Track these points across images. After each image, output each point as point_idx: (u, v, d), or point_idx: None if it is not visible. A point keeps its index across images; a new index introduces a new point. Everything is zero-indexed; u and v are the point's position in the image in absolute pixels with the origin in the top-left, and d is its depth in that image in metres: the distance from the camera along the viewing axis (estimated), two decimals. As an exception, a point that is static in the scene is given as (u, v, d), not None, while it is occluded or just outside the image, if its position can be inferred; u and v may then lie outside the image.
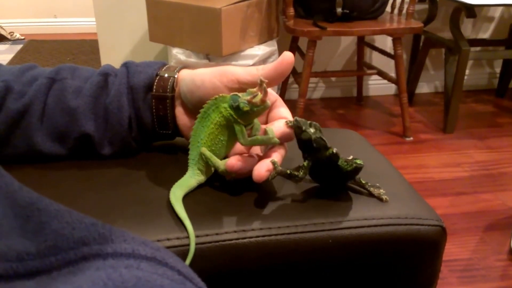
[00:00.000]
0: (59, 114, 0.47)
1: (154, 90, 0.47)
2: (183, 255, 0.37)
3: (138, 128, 0.48)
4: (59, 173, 0.47)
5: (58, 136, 0.47)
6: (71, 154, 0.48)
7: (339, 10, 1.79)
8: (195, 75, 0.45)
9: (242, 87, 0.43)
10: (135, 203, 0.42)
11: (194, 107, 0.45)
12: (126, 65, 0.49)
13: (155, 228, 0.39)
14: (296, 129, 0.40)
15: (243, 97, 0.39)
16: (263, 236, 0.39)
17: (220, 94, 0.41)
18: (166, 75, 0.47)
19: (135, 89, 0.47)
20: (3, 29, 3.18)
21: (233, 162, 0.41)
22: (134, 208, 0.41)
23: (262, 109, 0.40)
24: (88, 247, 0.24)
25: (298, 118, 0.40)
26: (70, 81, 0.48)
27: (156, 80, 0.47)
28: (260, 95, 0.39)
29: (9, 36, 3.20)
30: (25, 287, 0.22)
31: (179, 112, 0.48)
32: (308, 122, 0.40)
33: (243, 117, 0.40)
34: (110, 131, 0.47)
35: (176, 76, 0.47)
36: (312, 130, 0.39)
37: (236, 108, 0.39)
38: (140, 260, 0.25)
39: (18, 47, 3.10)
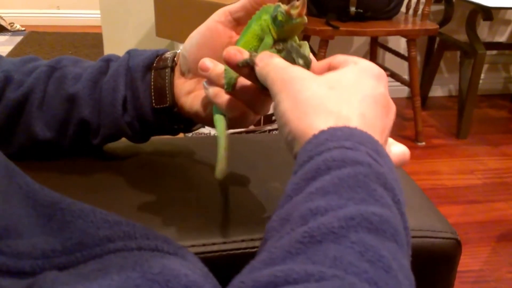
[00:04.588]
0: (58, 101, 0.47)
1: (154, 65, 0.47)
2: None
3: (135, 110, 0.47)
4: (75, 174, 0.48)
5: (57, 125, 0.47)
6: (72, 146, 0.48)
7: (352, 9, 1.77)
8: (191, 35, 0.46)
9: (235, 16, 0.43)
10: (155, 208, 0.42)
11: (193, 62, 0.44)
12: (128, 52, 0.49)
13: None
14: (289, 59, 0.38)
15: (283, 7, 0.38)
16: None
17: (267, 4, 0.40)
18: (167, 54, 0.48)
19: (133, 69, 0.47)
20: (3, 19, 3.10)
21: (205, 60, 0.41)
22: (151, 212, 0.42)
23: (298, 24, 0.38)
24: (113, 244, 0.26)
25: (292, 45, 0.38)
26: (71, 68, 0.48)
27: (157, 59, 0.47)
28: (298, 8, 0.38)
29: (9, 27, 3.10)
30: (53, 275, 0.23)
31: (178, 81, 0.47)
32: (300, 52, 0.39)
33: (278, 29, 0.39)
34: (103, 113, 0.47)
35: (178, 52, 0.47)
36: (301, 61, 0.38)
37: (274, 18, 0.39)
38: (164, 253, 0.27)
39: (18, 38, 3.01)
